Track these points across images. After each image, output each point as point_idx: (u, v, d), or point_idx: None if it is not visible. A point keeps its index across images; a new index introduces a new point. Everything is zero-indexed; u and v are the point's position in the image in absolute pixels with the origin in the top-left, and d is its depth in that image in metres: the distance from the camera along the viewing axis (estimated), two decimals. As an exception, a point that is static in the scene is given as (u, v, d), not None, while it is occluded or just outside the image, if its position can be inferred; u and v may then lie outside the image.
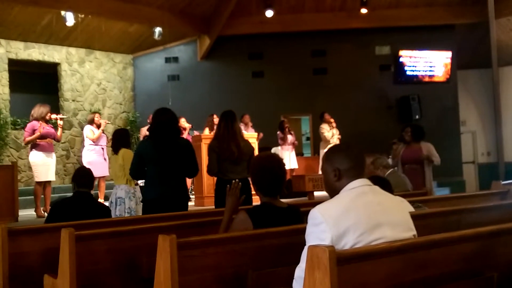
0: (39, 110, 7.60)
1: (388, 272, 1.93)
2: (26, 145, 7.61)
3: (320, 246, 1.74)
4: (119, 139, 6.03)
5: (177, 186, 4.56)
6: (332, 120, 11.15)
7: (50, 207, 4.36)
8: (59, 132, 7.78)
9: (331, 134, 11.05)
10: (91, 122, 8.77)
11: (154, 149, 4.45)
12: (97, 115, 8.94)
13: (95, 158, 8.48)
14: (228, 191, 3.15)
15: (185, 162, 4.58)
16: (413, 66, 13.57)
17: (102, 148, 8.62)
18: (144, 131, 9.74)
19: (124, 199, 5.81)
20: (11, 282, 3.21)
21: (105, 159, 8.58)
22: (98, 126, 8.69)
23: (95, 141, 8.58)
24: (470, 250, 2.18)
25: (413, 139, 7.21)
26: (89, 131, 8.63)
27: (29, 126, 7.54)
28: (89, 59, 12.62)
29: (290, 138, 10.93)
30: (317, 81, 13.40)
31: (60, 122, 7.81)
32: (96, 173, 8.36)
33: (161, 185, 4.45)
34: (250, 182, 3.30)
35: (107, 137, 8.80)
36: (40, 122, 7.50)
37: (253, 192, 3.55)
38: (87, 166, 8.36)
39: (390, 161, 6.81)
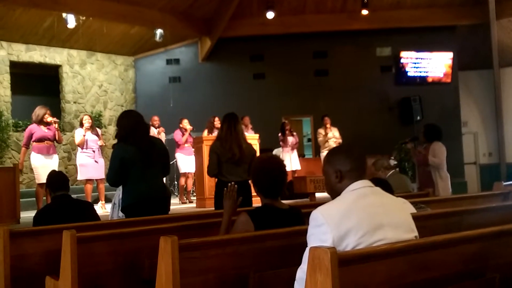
0: (36, 113, 7.66)
1: (389, 274, 1.93)
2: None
3: (321, 247, 1.74)
4: None
5: (161, 187, 4.50)
6: (327, 123, 11.17)
7: (33, 217, 4.29)
8: (57, 135, 7.80)
9: (324, 139, 11.10)
10: (81, 124, 8.48)
11: (137, 152, 4.27)
12: (85, 117, 8.55)
13: (88, 161, 8.31)
14: (224, 194, 3.16)
15: (162, 161, 4.50)
16: (414, 67, 13.57)
17: (93, 151, 8.44)
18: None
19: (126, 200, 5.78)
20: (13, 284, 3.22)
21: (96, 161, 8.40)
22: (93, 128, 8.54)
23: (80, 146, 8.35)
24: (472, 251, 2.18)
25: (425, 139, 6.84)
26: (77, 136, 8.39)
27: (27, 130, 7.65)
28: (90, 61, 12.64)
29: (291, 139, 10.94)
30: (318, 82, 13.40)
31: (55, 125, 7.80)
32: (90, 175, 8.33)
33: (144, 187, 4.30)
34: (251, 184, 3.30)
35: (100, 138, 8.62)
36: (39, 125, 7.58)
37: (254, 194, 3.55)
38: (80, 168, 8.37)
39: (391, 162, 6.77)
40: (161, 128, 9.89)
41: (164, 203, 4.50)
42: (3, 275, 3.21)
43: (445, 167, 6.76)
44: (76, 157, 8.83)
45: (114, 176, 4.32)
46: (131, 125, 4.36)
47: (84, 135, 8.31)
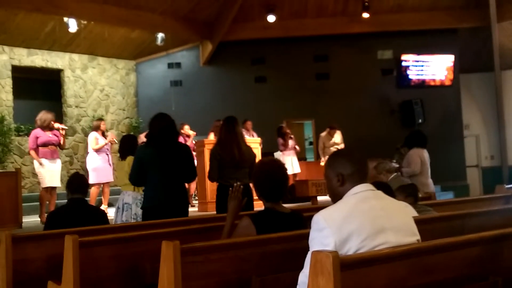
0: (42, 118, 7.65)
1: (391, 277, 1.93)
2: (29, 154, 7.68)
3: (323, 251, 1.74)
4: (127, 146, 5.98)
5: (178, 192, 4.57)
6: (332, 134, 11.24)
7: (46, 217, 4.33)
8: (62, 140, 7.83)
9: (322, 146, 11.20)
10: (97, 128, 8.64)
11: (156, 155, 4.43)
12: (103, 122, 8.80)
13: (100, 164, 8.44)
14: (230, 194, 3.16)
15: (185, 167, 4.59)
16: (415, 70, 13.56)
17: (107, 154, 8.59)
18: (143, 138, 9.71)
19: (131, 205, 5.78)
20: (15, 289, 3.22)
21: (110, 164, 8.55)
22: (103, 133, 8.65)
23: (96, 151, 8.47)
24: (474, 254, 2.18)
25: (406, 145, 6.85)
26: (93, 139, 8.52)
27: (32, 134, 7.62)
28: (92, 65, 12.66)
29: (290, 143, 10.92)
30: (319, 86, 13.40)
31: (62, 132, 7.85)
32: (100, 179, 8.41)
33: (162, 192, 4.44)
34: (252, 187, 3.29)
35: (111, 143, 8.78)
36: (44, 130, 7.58)
37: (255, 198, 3.55)
38: (92, 172, 8.42)
39: (393, 165, 6.74)
40: None
41: (182, 207, 4.61)
42: (5, 279, 3.21)
43: (425, 175, 6.68)
44: (86, 160, 8.87)
45: (133, 176, 4.57)
46: (157, 130, 4.49)
47: (105, 144, 8.51)
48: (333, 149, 11.00)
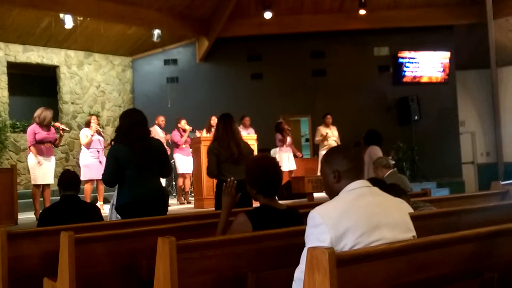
0: (41, 115, 7.59)
1: (387, 273, 1.94)
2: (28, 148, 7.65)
3: (319, 247, 1.74)
4: None
5: (155, 187, 4.45)
6: (329, 122, 11.15)
7: (39, 214, 4.30)
8: (58, 140, 7.82)
9: (320, 138, 11.06)
10: (88, 124, 8.60)
11: (130, 152, 4.27)
12: (93, 117, 8.74)
13: (92, 161, 8.40)
14: (223, 190, 3.16)
15: (159, 163, 4.47)
16: (412, 67, 13.57)
17: (98, 151, 8.51)
18: None
19: (125, 201, 5.77)
20: (10, 286, 3.21)
21: (100, 162, 8.46)
22: (96, 130, 8.61)
23: (86, 146, 8.43)
24: (469, 251, 2.18)
25: (364, 143, 7.14)
26: (83, 136, 8.49)
27: (30, 130, 7.56)
28: (88, 61, 12.62)
29: (288, 139, 10.92)
30: (316, 82, 13.40)
31: (62, 132, 7.84)
32: (92, 176, 8.38)
33: (139, 188, 4.30)
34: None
35: (105, 140, 8.75)
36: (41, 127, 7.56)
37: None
38: (84, 169, 8.40)
39: (390, 161, 6.81)
40: (168, 136, 9.84)
41: (161, 204, 4.46)
42: (1, 276, 3.20)
43: None
44: (79, 157, 8.85)
45: (109, 176, 4.34)
46: (127, 126, 4.36)
47: (92, 136, 8.42)
48: (330, 140, 10.96)
